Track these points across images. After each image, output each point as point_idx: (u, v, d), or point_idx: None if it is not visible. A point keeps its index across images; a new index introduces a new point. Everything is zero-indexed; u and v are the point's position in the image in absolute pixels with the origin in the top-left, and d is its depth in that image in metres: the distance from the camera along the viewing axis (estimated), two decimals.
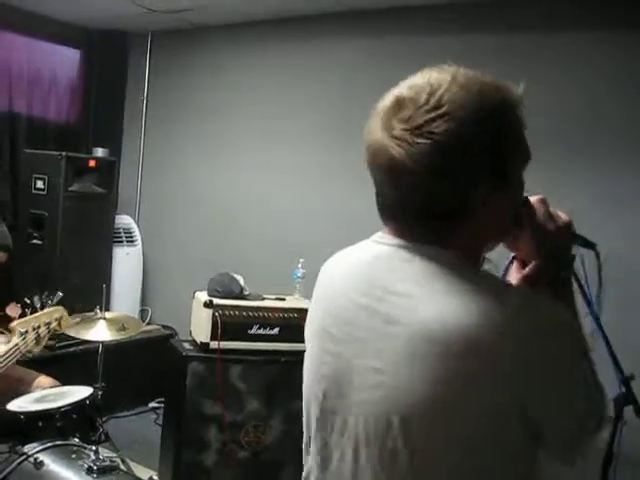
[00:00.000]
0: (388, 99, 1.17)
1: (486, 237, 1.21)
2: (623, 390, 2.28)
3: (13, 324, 1.90)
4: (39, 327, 1.98)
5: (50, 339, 2.16)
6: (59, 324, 2.11)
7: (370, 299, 1.20)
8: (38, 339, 1.97)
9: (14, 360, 1.82)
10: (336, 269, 1.38)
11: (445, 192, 1.11)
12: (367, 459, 1.20)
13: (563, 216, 1.30)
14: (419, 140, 1.08)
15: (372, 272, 1.23)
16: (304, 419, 1.41)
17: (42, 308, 2.05)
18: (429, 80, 1.12)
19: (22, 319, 1.92)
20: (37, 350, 1.96)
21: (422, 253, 1.16)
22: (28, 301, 2.00)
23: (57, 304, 2.11)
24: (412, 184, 1.12)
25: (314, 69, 4.84)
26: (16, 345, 1.85)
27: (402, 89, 1.15)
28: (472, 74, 1.15)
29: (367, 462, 1.20)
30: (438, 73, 1.14)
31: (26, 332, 1.91)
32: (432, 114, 1.08)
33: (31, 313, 1.99)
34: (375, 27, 4.52)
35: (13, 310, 1.91)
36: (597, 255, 1.39)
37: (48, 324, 2.03)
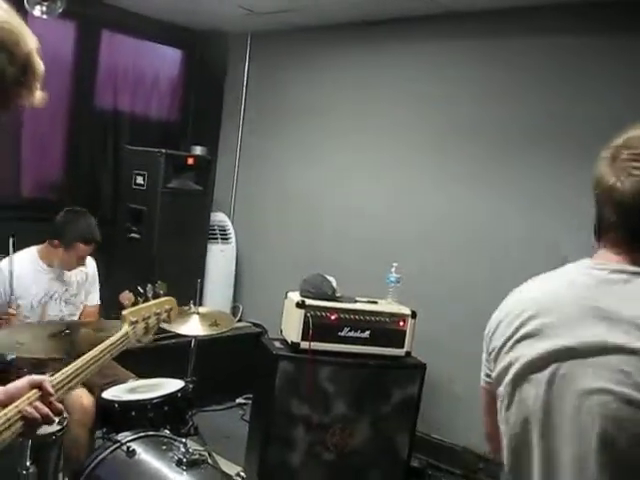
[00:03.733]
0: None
1: None
2: None
3: (125, 312, 1.92)
4: (149, 317, 2.00)
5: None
6: (168, 315, 2.12)
7: None
8: (147, 329, 1.99)
9: (123, 348, 1.84)
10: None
11: None
12: None
13: None
14: None
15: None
16: None
17: (154, 298, 2.07)
18: None
19: (133, 308, 1.94)
20: (146, 340, 1.98)
21: None
22: (141, 290, 2.02)
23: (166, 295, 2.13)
24: None
25: (409, 69, 4.77)
26: (126, 333, 1.86)
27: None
28: None
29: None
30: None
31: (136, 321, 1.92)
32: None
33: (143, 302, 2.00)
34: (468, 29, 4.43)
35: (125, 298, 1.94)
36: None
37: (158, 314, 2.04)
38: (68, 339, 2.76)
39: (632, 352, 1.17)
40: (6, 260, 3.48)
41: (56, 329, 2.76)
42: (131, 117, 5.57)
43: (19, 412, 1.42)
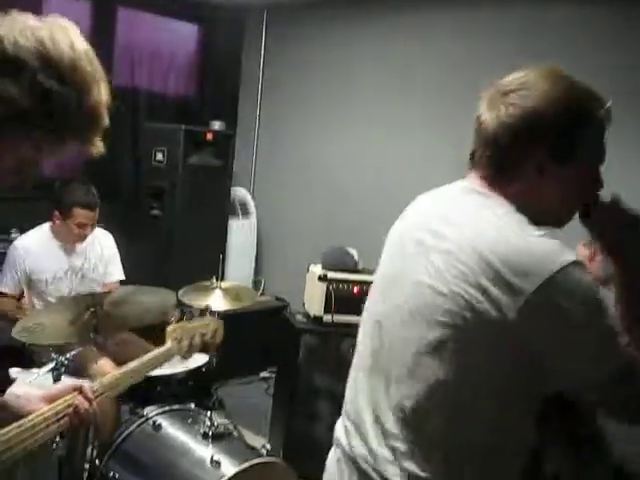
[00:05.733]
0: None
1: (539, 200, 1.36)
2: None
3: (169, 329, 1.93)
4: (194, 336, 2.00)
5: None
6: (213, 337, 2.13)
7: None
8: (191, 347, 2.00)
9: (164, 363, 1.86)
10: None
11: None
12: None
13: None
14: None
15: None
16: None
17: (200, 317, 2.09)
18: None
19: (178, 324, 1.95)
20: (187, 358, 1.99)
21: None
22: (188, 312, 2.03)
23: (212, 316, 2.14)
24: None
25: (430, 38, 4.71)
26: (169, 349, 1.88)
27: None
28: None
29: None
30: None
31: (181, 339, 1.93)
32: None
33: (187, 321, 2.01)
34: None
35: (171, 316, 1.95)
36: None
37: (203, 335, 2.05)
38: (91, 319, 2.77)
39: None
40: (20, 238, 3.53)
41: (77, 309, 2.77)
42: (149, 94, 5.56)
43: (56, 413, 1.44)
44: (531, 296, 1.21)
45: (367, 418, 1.43)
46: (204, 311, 2.09)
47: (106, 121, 1.18)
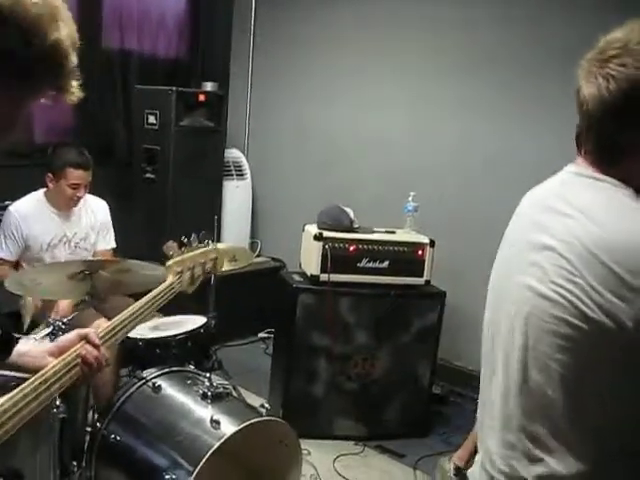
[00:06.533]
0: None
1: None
2: None
3: (169, 263, 1.88)
4: (194, 267, 1.96)
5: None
6: (214, 265, 2.09)
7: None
8: (193, 279, 1.96)
9: (168, 299, 1.82)
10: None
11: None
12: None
13: None
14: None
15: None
16: None
17: (200, 246, 2.03)
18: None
19: (178, 258, 1.90)
20: (191, 290, 1.95)
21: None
22: (185, 239, 1.98)
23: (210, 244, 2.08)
24: None
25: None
26: (171, 284, 1.84)
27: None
28: None
29: None
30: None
31: (181, 272, 1.89)
32: None
33: (187, 252, 1.96)
34: None
35: (169, 248, 1.90)
36: None
37: (203, 264, 2.01)
38: (87, 280, 2.77)
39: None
40: (15, 204, 3.53)
41: (74, 270, 2.77)
42: (139, 56, 5.47)
43: (67, 364, 1.44)
44: None
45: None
46: (202, 239, 2.04)
47: (72, 62, 1.10)
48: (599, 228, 1.11)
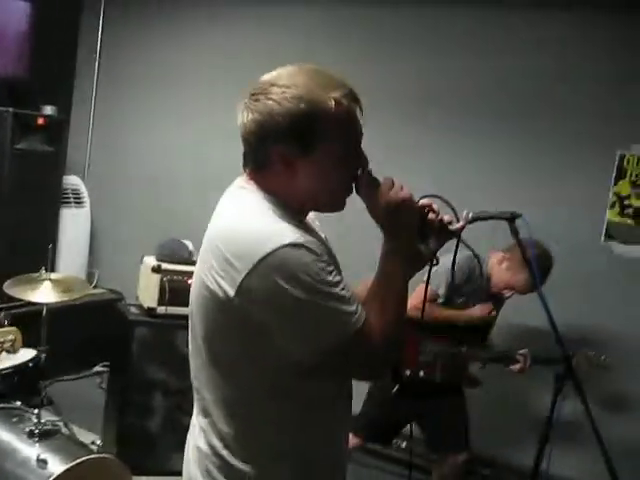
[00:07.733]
0: None
1: (296, 189, 1.46)
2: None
3: None
4: None
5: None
6: (12, 345, 2.04)
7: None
8: None
9: None
10: None
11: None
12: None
13: (402, 193, 1.47)
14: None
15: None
16: None
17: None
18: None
19: None
20: None
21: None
22: None
23: (10, 324, 2.03)
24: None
25: (274, 29, 4.77)
26: None
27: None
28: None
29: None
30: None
31: None
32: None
33: None
34: None
35: None
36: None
37: (2, 343, 1.96)
38: None
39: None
40: None
41: None
42: None
43: None
44: (246, 277, 1.33)
45: None
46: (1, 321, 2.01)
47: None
48: (222, 222, 1.48)
